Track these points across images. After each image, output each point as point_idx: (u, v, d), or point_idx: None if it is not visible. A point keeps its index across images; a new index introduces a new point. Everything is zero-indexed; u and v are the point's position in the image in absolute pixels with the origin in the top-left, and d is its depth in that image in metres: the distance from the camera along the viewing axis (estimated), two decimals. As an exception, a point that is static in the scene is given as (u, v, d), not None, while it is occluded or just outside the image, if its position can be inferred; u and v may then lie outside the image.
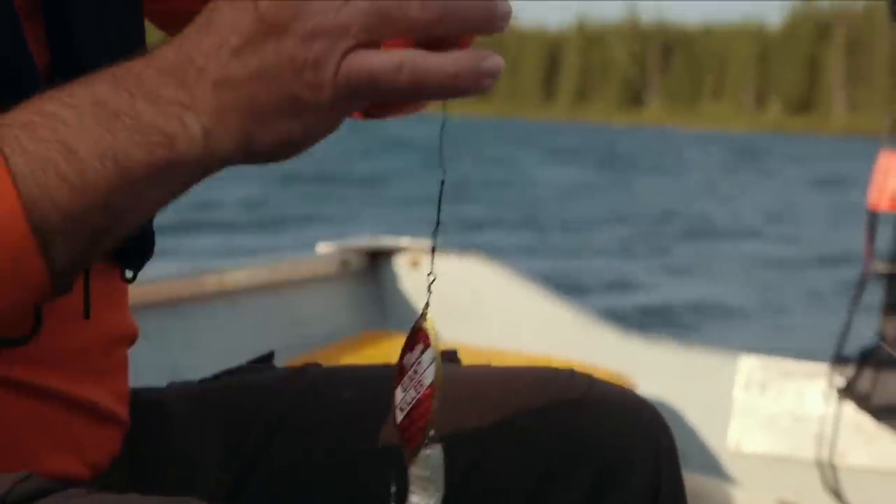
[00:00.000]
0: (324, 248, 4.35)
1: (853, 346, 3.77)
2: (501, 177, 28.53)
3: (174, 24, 1.38)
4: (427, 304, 1.05)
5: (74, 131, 0.91)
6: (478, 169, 30.80)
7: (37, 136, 0.91)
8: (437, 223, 1.04)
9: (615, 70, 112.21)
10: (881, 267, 3.85)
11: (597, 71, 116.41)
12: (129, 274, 1.25)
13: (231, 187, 20.91)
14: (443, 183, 1.00)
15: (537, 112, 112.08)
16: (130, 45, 1.23)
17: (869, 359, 3.67)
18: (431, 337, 1.03)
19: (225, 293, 3.63)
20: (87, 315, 1.18)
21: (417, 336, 1.04)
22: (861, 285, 3.84)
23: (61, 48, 1.15)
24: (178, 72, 0.90)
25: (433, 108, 1.04)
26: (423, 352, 1.03)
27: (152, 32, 1.36)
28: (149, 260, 1.27)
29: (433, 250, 1.05)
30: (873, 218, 3.86)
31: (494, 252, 4.64)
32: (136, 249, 1.24)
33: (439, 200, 1.02)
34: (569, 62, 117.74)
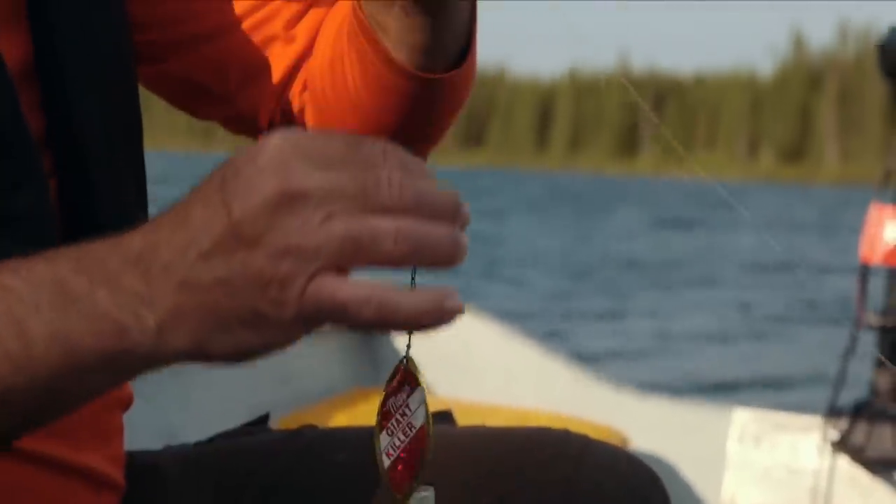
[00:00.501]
0: None
1: (847, 398, 3.78)
2: (491, 230, 28.53)
3: (166, 87, 1.39)
4: (409, 346, 1.05)
5: (28, 310, 0.90)
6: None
7: None
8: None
9: (607, 119, 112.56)
10: (873, 319, 3.86)
11: (589, 120, 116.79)
12: None
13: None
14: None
15: (530, 161, 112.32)
16: (125, 111, 1.25)
17: (862, 412, 3.68)
18: (420, 378, 1.03)
19: None
20: None
21: (402, 378, 1.04)
22: (853, 338, 3.85)
23: (57, 114, 1.16)
24: (143, 263, 0.89)
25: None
26: (409, 394, 1.04)
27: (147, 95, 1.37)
28: None
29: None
30: (865, 270, 3.87)
31: (487, 306, 4.65)
32: None
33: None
34: (561, 111, 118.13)
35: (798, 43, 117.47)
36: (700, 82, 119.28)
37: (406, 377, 1.04)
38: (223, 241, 0.87)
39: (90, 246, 0.92)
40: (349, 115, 1.32)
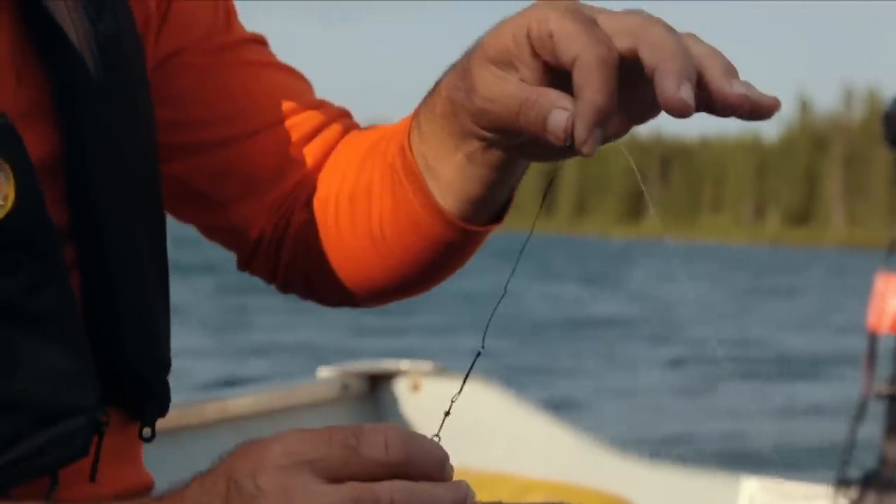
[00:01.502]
0: (325, 372, 4.36)
1: (855, 467, 3.77)
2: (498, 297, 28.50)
3: (169, 188, 1.39)
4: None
5: None
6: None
7: None
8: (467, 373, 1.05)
9: (613, 184, 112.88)
10: (882, 388, 3.86)
11: (595, 184, 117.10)
12: (146, 433, 1.26)
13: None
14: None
15: (536, 225, 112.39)
16: (148, 204, 1.25)
17: (872, 481, 3.67)
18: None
19: (227, 420, 3.63)
20: (92, 478, 1.18)
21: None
22: (861, 407, 3.84)
23: (81, 208, 1.17)
24: None
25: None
26: None
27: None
28: (163, 416, 1.27)
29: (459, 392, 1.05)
30: (873, 340, 3.87)
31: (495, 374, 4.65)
32: (153, 406, 1.25)
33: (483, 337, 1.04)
34: (567, 176, 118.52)
35: (803, 107, 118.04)
36: (705, 146, 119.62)
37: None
38: None
39: None
40: (366, 247, 1.33)
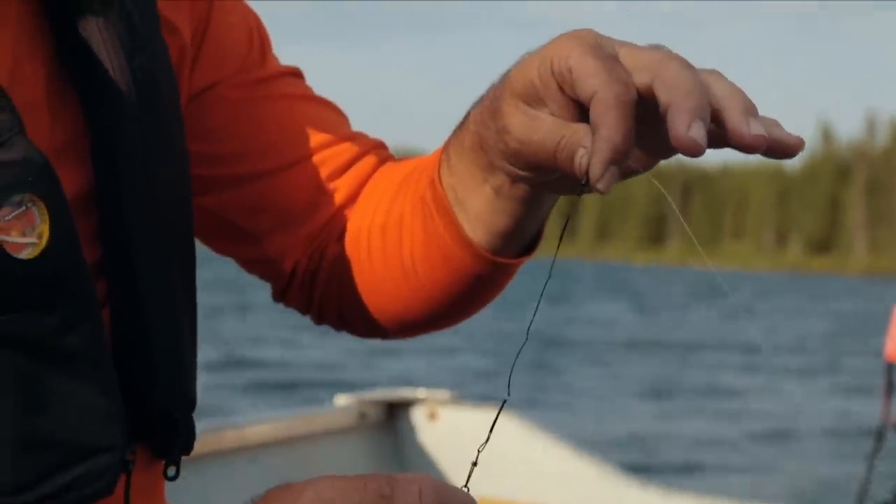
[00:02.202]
0: (342, 399, 4.37)
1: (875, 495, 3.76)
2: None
3: (195, 219, 1.40)
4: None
5: None
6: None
7: None
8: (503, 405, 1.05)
9: (635, 209, 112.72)
10: (897, 419, 3.84)
11: (616, 210, 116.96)
12: (171, 472, 1.25)
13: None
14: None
15: (559, 250, 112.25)
16: (181, 240, 1.26)
17: (889, 512, 3.65)
18: None
19: (244, 448, 3.64)
20: None
21: None
22: (880, 436, 3.83)
23: (114, 244, 1.17)
24: None
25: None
26: None
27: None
28: (188, 455, 1.27)
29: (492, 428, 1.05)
30: (891, 369, 3.86)
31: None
32: (179, 444, 1.25)
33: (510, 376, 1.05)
34: (589, 201, 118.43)
35: (826, 134, 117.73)
36: (727, 173, 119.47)
37: None
38: None
39: None
40: (398, 280, 1.33)
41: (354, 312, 1.40)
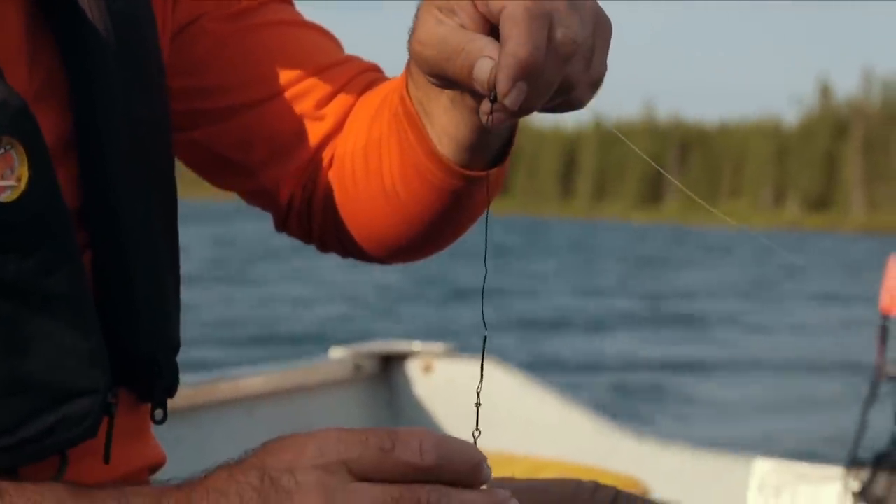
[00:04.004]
0: (337, 352, 4.38)
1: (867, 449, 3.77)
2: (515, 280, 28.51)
3: (190, 155, 1.40)
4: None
5: None
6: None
7: None
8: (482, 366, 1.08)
9: (632, 168, 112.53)
10: (894, 370, 3.86)
11: (614, 169, 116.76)
12: (158, 415, 1.26)
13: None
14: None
15: (556, 210, 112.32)
16: (162, 182, 1.25)
17: (884, 462, 3.67)
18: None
19: (239, 399, 3.65)
20: (106, 460, 1.19)
21: None
22: (874, 388, 3.84)
23: (95, 189, 1.16)
24: None
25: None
26: None
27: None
28: (171, 398, 1.27)
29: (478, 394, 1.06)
30: (885, 321, 3.87)
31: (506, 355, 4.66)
32: (162, 387, 1.25)
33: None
34: (586, 161, 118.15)
35: (824, 91, 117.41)
36: (725, 131, 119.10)
37: None
38: None
39: None
40: (381, 201, 1.33)
41: (349, 238, 1.39)
